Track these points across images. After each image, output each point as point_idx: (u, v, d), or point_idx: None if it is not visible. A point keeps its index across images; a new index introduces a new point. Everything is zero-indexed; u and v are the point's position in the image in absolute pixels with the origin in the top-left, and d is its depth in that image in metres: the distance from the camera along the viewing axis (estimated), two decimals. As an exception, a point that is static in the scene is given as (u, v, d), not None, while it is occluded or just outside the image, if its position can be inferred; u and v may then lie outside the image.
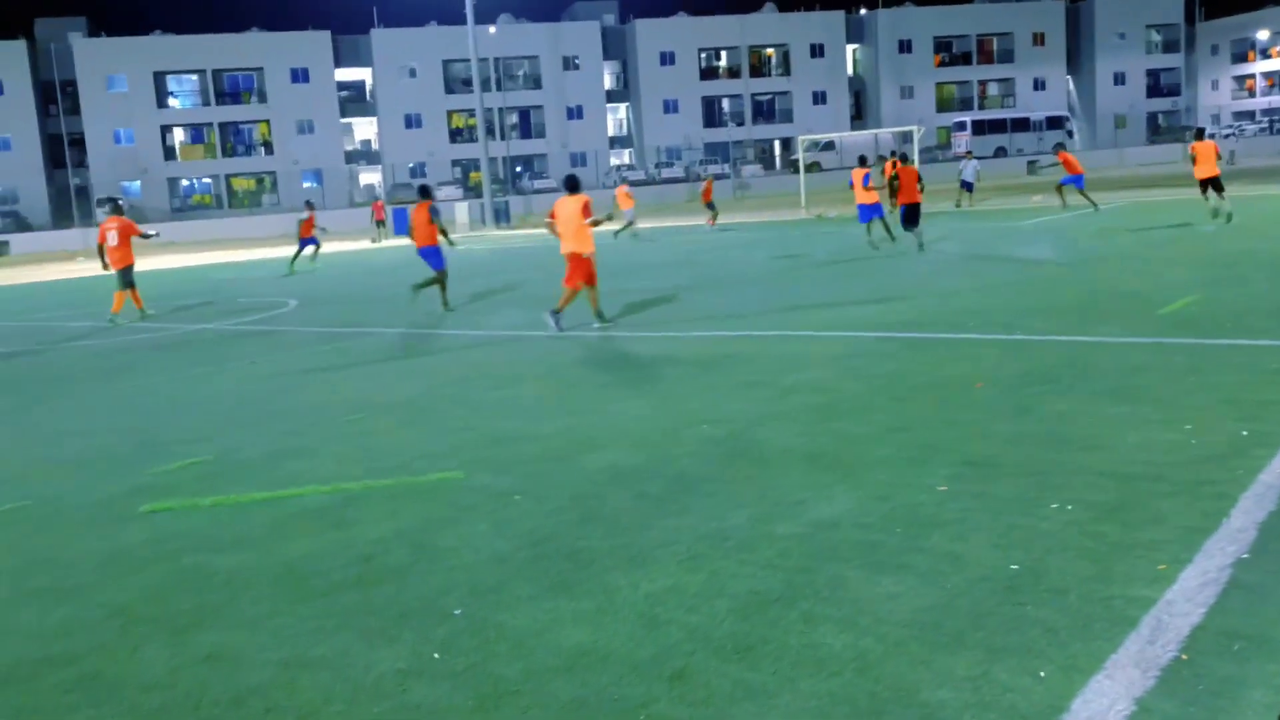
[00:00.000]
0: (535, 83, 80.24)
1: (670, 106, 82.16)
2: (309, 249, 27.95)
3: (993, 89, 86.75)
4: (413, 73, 77.64)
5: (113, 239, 16.72)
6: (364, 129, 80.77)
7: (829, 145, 69.55)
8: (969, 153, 41.60)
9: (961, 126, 76.77)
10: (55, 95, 72.72)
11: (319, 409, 8.50)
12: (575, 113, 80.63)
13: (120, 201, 18.42)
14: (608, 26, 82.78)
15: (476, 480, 6.06)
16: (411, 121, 78.07)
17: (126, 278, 16.74)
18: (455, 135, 79.11)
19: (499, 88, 75.34)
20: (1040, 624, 3.70)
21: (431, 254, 14.91)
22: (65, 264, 42.25)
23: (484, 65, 67.05)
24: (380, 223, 43.90)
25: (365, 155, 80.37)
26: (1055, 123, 77.54)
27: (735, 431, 6.75)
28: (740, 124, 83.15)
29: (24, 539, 5.54)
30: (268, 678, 3.70)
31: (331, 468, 6.56)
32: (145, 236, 17.82)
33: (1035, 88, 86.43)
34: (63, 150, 73.30)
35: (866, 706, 3.24)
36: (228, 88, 75.55)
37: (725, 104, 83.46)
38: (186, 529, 5.52)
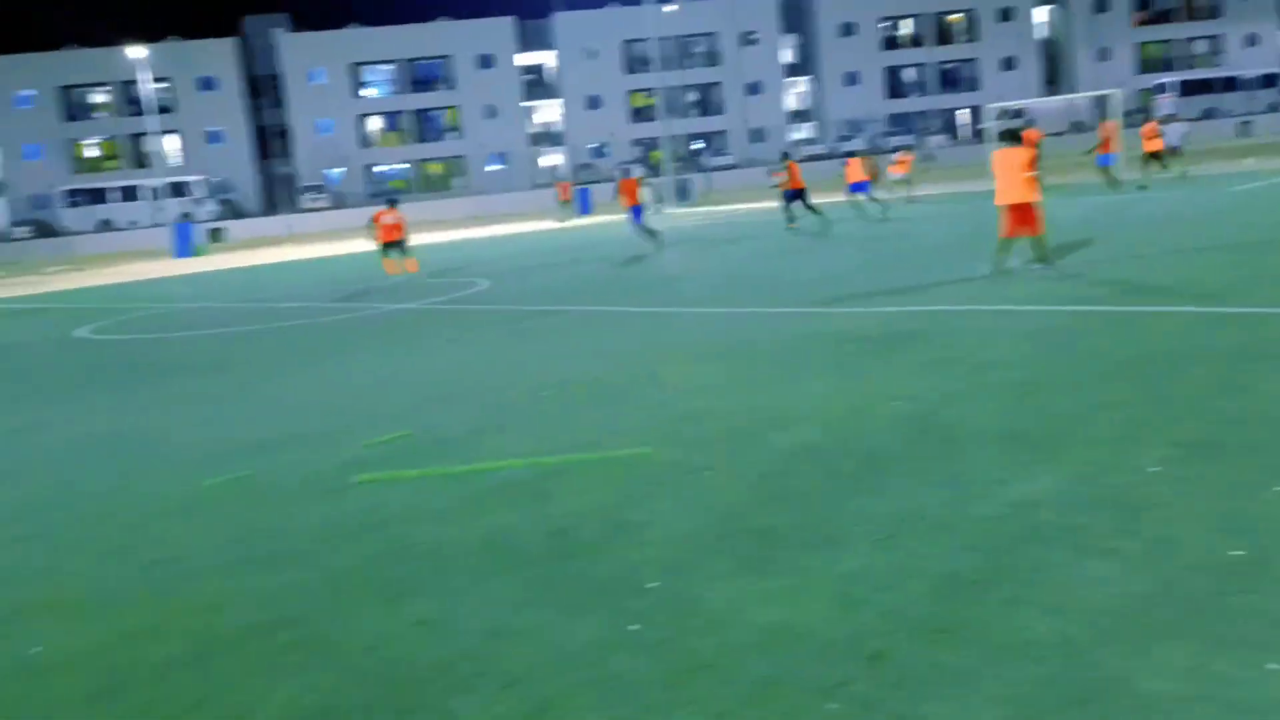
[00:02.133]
0: (714, 60, 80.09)
1: (852, 79, 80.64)
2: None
3: (1199, 47, 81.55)
4: (593, 54, 78.69)
5: (389, 220, 21.93)
6: (546, 111, 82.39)
7: (1018, 113, 66.88)
8: (1172, 116, 39.27)
9: (1161, 89, 72.52)
10: (262, 89, 76.99)
11: (513, 386, 8.76)
12: (754, 88, 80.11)
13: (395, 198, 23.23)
14: (787, 0, 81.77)
15: (667, 456, 6.13)
16: (592, 103, 79.20)
17: (394, 248, 21.93)
18: (636, 115, 79.82)
19: (678, 66, 75.54)
20: (1267, 614, 3.49)
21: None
22: (274, 248, 44.80)
23: (663, 44, 67.33)
24: (565, 203, 44.73)
25: (548, 138, 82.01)
26: (1270, 81, 72.35)
27: (927, 409, 6.60)
28: (924, 93, 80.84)
29: (249, 507, 5.92)
30: (474, 645, 3.86)
31: (526, 442, 6.75)
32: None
33: (1247, 44, 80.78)
34: (271, 141, 77.61)
35: (1075, 695, 3.13)
36: (419, 76, 78.36)
37: (909, 73, 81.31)
38: (393, 500, 5.80)
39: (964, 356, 8.13)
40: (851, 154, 30.81)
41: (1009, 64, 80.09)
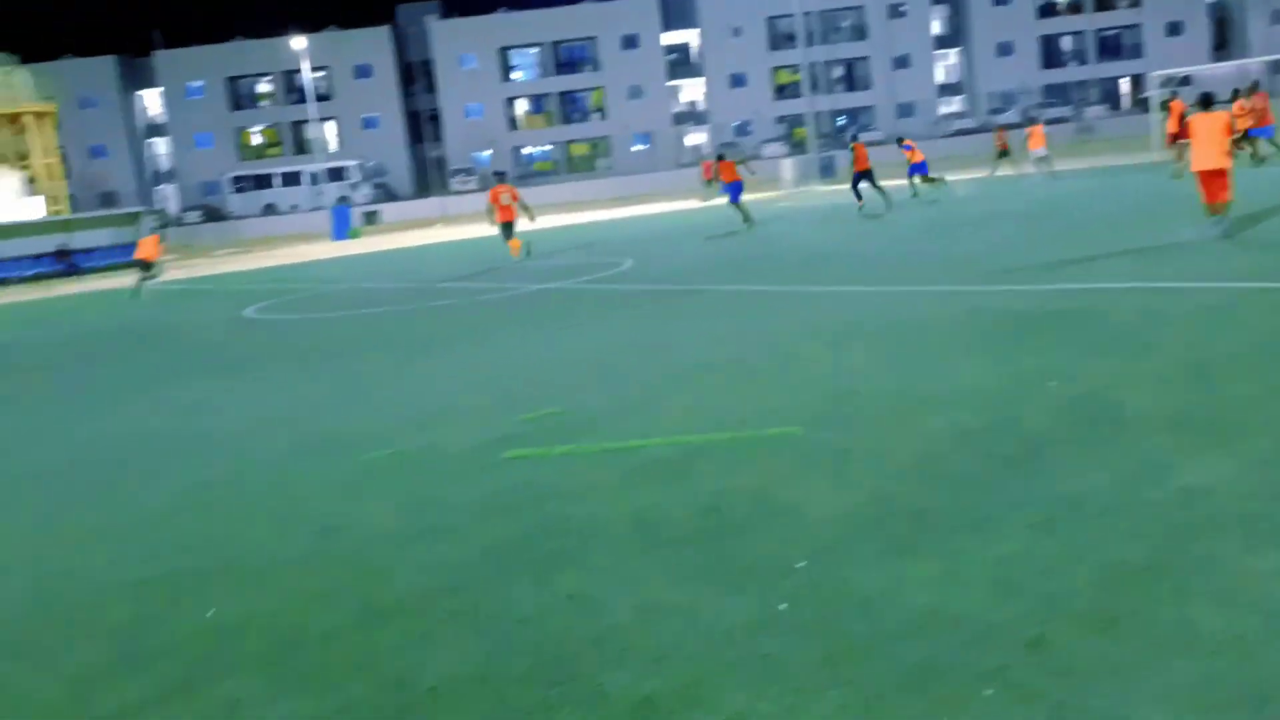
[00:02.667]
0: (860, 34, 78.57)
1: (1005, 49, 78.04)
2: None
3: (1390, 5, 75.96)
4: (737, 32, 78.12)
5: (505, 199, 21.76)
6: (689, 91, 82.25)
7: (1185, 80, 63.59)
8: None
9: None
10: (415, 75, 79.09)
11: (660, 364, 8.81)
12: (902, 62, 78.30)
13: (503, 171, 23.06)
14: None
15: (816, 436, 6.08)
16: (736, 81, 78.70)
17: (510, 230, 21.91)
18: (779, 92, 79.01)
19: (823, 41, 74.39)
20: None
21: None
22: (426, 230, 46.06)
23: (808, 19, 66.37)
24: (709, 182, 44.61)
25: (692, 116, 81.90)
26: None
27: (1090, 391, 6.37)
28: (1083, 63, 77.59)
29: (409, 481, 6.12)
30: (625, 620, 3.91)
31: (674, 421, 6.79)
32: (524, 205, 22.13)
33: None
34: (422, 126, 79.73)
35: (1248, 693, 2.99)
36: (564, 58, 79.23)
37: (1066, 42, 78.18)
38: (544, 477, 5.90)
39: (1129, 336, 7.81)
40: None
41: (1175, 29, 76.21)
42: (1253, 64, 54.00)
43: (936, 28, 79.66)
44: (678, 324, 11.12)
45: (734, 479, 5.46)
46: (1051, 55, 78.25)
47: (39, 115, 55.68)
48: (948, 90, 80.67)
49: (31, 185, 53.29)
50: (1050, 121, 68.68)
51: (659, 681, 3.40)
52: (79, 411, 9.86)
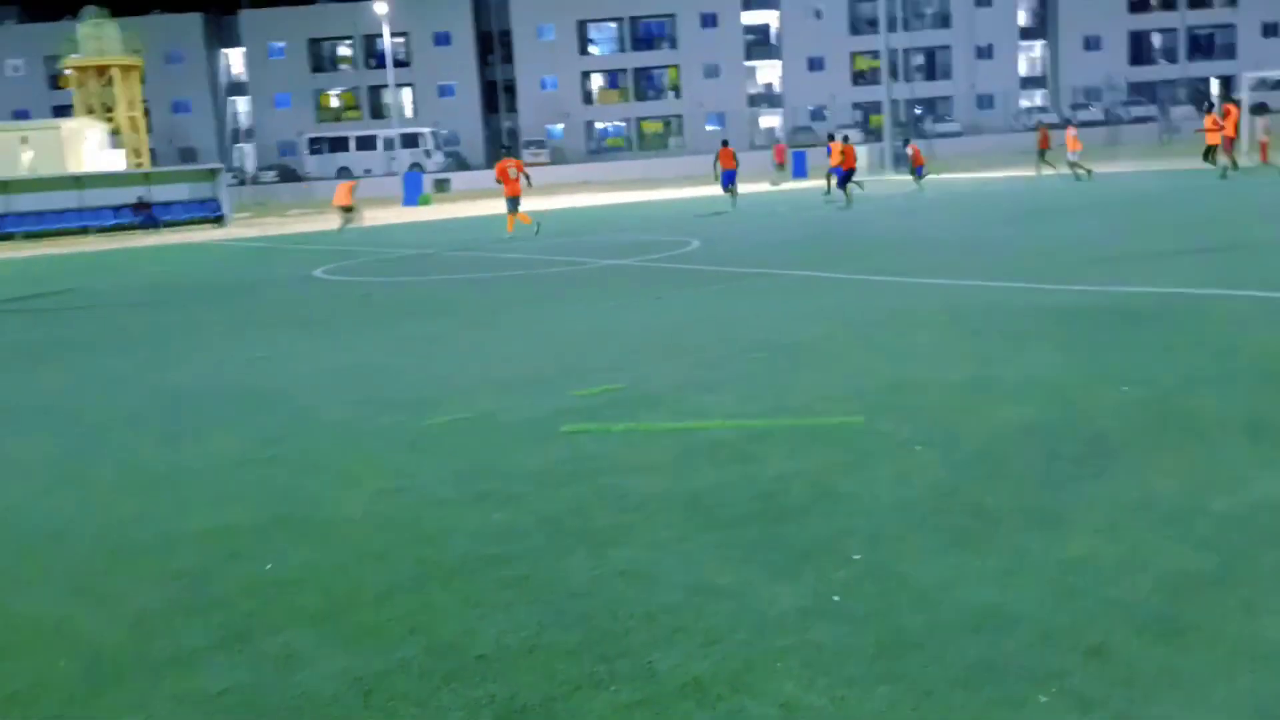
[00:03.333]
0: (943, 21, 77.24)
1: (1092, 43, 76.28)
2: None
3: None
4: (818, 14, 77.22)
5: (513, 173, 22.86)
6: (766, 72, 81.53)
7: (1278, 84, 61.69)
8: None
9: None
10: (493, 45, 79.34)
11: (721, 345, 8.77)
12: (985, 52, 76.89)
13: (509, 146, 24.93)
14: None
15: (878, 426, 6.01)
16: (814, 64, 77.85)
17: (516, 204, 22.97)
18: (857, 78, 78.03)
19: (905, 28, 73.24)
20: None
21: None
22: (496, 200, 46.27)
23: (891, 4, 65.42)
24: (780, 166, 44.30)
25: (767, 99, 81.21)
26: None
27: (1163, 394, 6.22)
28: (1173, 61, 75.58)
29: (468, 447, 6.16)
30: (677, 599, 3.89)
31: (735, 404, 6.75)
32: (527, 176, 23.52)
33: None
34: (497, 96, 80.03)
35: (1320, 712, 2.89)
36: (642, 34, 78.92)
37: (1156, 39, 76.24)
38: (602, 451, 5.91)
39: (1207, 341, 7.61)
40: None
41: (1272, 30, 73.93)
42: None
43: (1022, 18, 78.07)
44: (742, 306, 11.05)
45: (794, 465, 5.42)
46: (1140, 51, 76.36)
47: (125, 69, 56.80)
48: (1030, 83, 79.12)
49: (115, 137, 54.44)
50: (1135, 120, 67.24)
51: (708, 664, 3.38)
52: (151, 360, 10.06)
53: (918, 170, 31.84)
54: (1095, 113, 69.76)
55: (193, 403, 7.97)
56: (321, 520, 5.03)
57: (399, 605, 3.98)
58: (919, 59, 77.09)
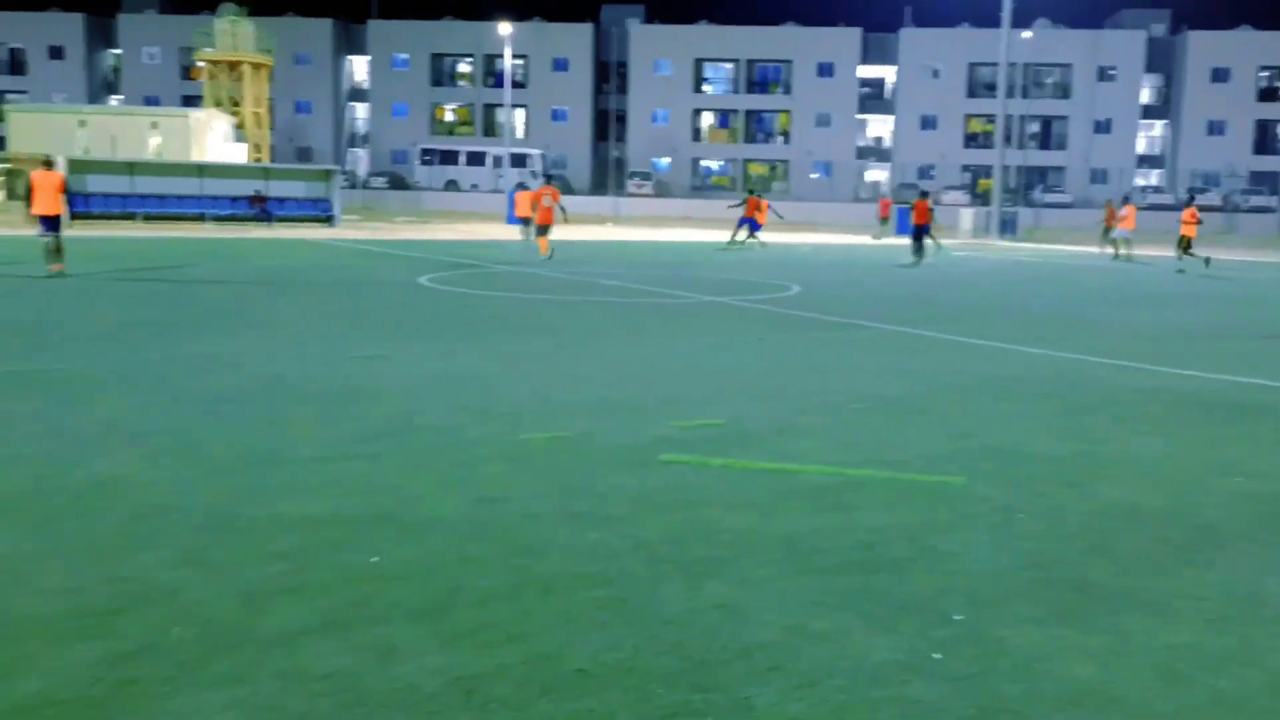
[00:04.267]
0: (1063, 92, 76.36)
1: (1215, 128, 74.70)
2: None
3: None
4: (936, 74, 76.89)
5: (547, 201, 24.61)
6: (877, 126, 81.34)
7: None
8: None
9: None
10: (609, 75, 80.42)
11: (820, 392, 8.74)
12: (1103, 126, 75.77)
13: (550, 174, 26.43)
14: (1154, 37, 76.67)
15: (978, 489, 5.93)
16: (927, 123, 77.46)
17: (546, 231, 24.60)
18: (970, 140, 77.44)
19: (1024, 95, 72.52)
20: None
21: None
22: (597, 227, 46.75)
23: (1012, 70, 64.84)
24: (884, 220, 44.09)
25: (875, 152, 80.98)
26: None
27: (1277, 490, 6.04)
28: (1300, 153, 73.62)
29: (565, 465, 6.23)
30: (772, 638, 3.89)
31: (833, 451, 6.72)
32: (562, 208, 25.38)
33: None
34: (608, 125, 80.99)
35: None
36: (757, 77, 79.35)
37: (1286, 128, 74.43)
38: (699, 483, 5.93)
39: (1324, 442, 7.37)
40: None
41: (1406, 130, 71.65)
42: None
43: (1145, 96, 76.80)
44: (842, 355, 11.00)
45: (892, 518, 5.38)
46: (1265, 140, 74.54)
47: (256, 66, 58.78)
48: (1147, 161, 77.68)
49: (238, 131, 56.27)
50: (1254, 210, 65.49)
51: (805, 706, 3.37)
52: (261, 346, 10.35)
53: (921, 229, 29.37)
54: (1213, 198, 68.09)
55: (299, 391, 8.19)
56: (422, 519, 5.13)
57: (497, 611, 4.04)
58: (1034, 127, 76.22)
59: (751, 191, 35.27)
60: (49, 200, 17.68)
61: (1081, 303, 18.10)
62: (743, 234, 32.85)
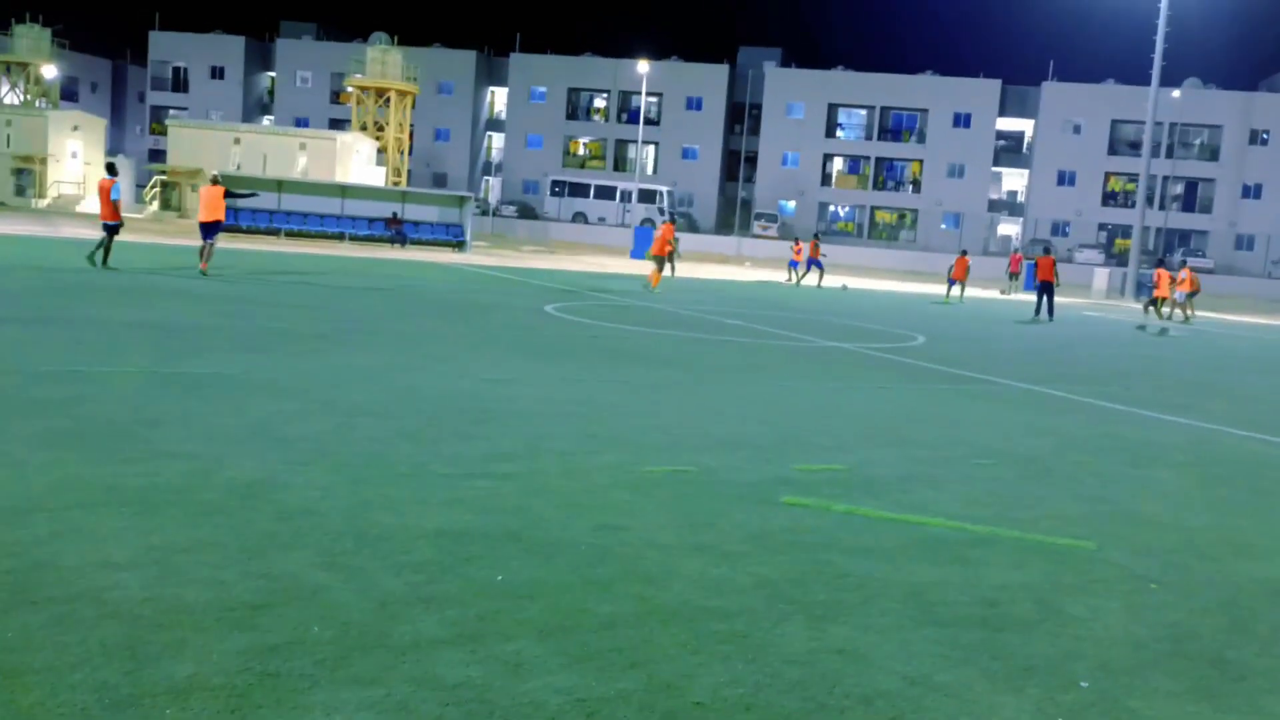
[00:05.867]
0: (1212, 154, 73.86)
1: (1375, 197, 71.30)
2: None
3: None
4: (1077, 129, 75.22)
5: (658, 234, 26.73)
6: (1011, 179, 79.90)
7: None
8: None
9: None
10: (742, 116, 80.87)
11: (946, 444, 8.62)
12: (1252, 191, 73.02)
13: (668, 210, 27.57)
14: (1314, 100, 73.65)
15: (1110, 555, 5.79)
16: (1064, 178, 75.75)
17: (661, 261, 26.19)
18: (1109, 198, 75.47)
19: (1169, 155, 70.42)
20: None
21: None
22: (721, 266, 46.89)
23: (1157, 130, 63.06)
24: (1014, 275, 43.23)
25: (1008, 205, 79.51)
26: None
27: None
28: None
29: (688, 499, 6.28)
30: (894, 688, 3.86)
31: (957, 506, 6.63)
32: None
33: None
34: (737, 165, 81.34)
35: None
36: (890, 125, 78.79)
37: None
38: (821, 526, 5.91)
39: None
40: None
41: None
42: None
43: (1299, 162, 73.75)
44: (967, 409, 10.83)
45: (1018, 577, 5.28)
46: None
47: (401, 94, 60.79)
48: (1300, 230, 74.48)
49: (380, 154, 58.19)
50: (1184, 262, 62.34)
51: (926, 756, 3.35)
52: (399, 362, 10.68)
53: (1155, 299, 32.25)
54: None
55: (433, 407, 8.43)
56: (548, 541, 5.24)
57: (620, 636, 4.10)
58: (1179, 189, 73.89)
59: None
60: (213, 208, 20.42)
61: (1214, 369, 17.44)
62: (812, 276, 35.19)
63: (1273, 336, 28.45)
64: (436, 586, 4.47)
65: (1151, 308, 31.34)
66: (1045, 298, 27.31)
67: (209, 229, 20.22)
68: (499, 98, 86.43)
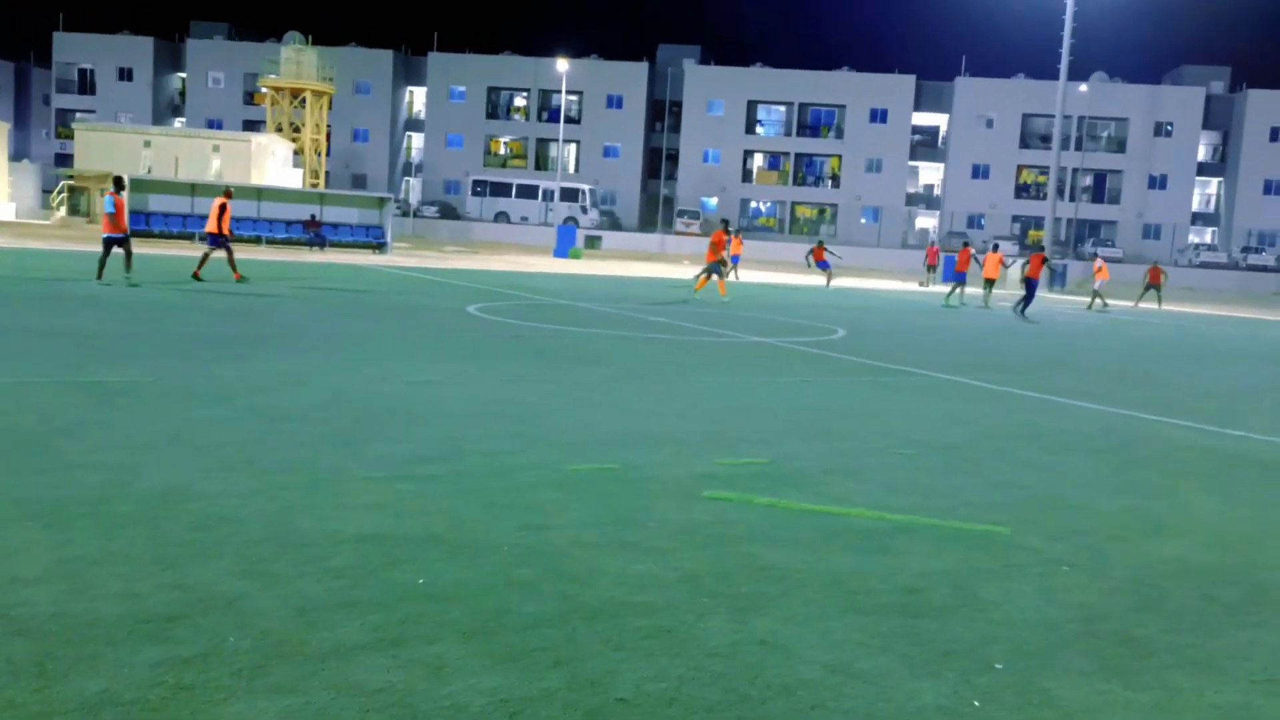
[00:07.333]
0: (1119, 146, 75.94)
1: (1272, 187, 73.93)
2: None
3: None
4: (990, 123, 76.79)
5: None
6: (928, 174, 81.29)
7: None
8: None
9: None
10: (663, 113, 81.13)
11: (867, 435, 8.75)
12: (1158, 182, 75.21)
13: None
14: (1213, 94, 76.13)
15: (1024, 540, 5.92)
16: (978, 172, 77.31)
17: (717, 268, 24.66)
18: (1021, 190, 77.18)
19: (1078, 147, 72.25)
20: None
21: None
22: (644, 263, 47.00)
23: (1066, 123, 64.68)
24: (931, 267, 43.98)
25: (925, 199, 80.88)
26: None
27: (1330, 556, 5.97)
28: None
29: (612, 496, 6.29)
30: (815, 676, 3.91)
31: (879, 495, 6.73)
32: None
33: None
34: (659, 163, 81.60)
35: None
36: (809, 121, 79.68)
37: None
38: (744, 520, 5.96)
39: (1379, 509, 7.27)
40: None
41: None
42: None
43: (1202, 153, 76.20)
44: (888, 400, 11.00)
45: (936, 564, 5.38)
46: (1324, 202, 73.66)
47: (317, 94, 59.89)
48: (1202, 219, 76.94)
49: (296, 156, 57.27)
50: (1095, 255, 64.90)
51: (847, 743, 3.40)
52: (322, 365, 10.53)
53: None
54: (1267, 258, 67.29)
55: (356, 411, 8.33)
56: (471, 543, 5.21)
57: (544, 636, 4.10)
58: (1088, 180, 75.83)
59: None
60: (211, 219, 21.15)
61: (1128, 357, 17.95)
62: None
63: (1180, 323, 29.34)
64: (358, 592, 4.43)
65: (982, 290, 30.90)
66: (1028, 294, 27.31)
67: (215, 240, 21.11)
68: (418, 97, 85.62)
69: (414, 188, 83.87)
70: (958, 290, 31.73)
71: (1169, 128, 75.02)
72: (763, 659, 4.04)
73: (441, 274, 29.36)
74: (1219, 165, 76.87)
